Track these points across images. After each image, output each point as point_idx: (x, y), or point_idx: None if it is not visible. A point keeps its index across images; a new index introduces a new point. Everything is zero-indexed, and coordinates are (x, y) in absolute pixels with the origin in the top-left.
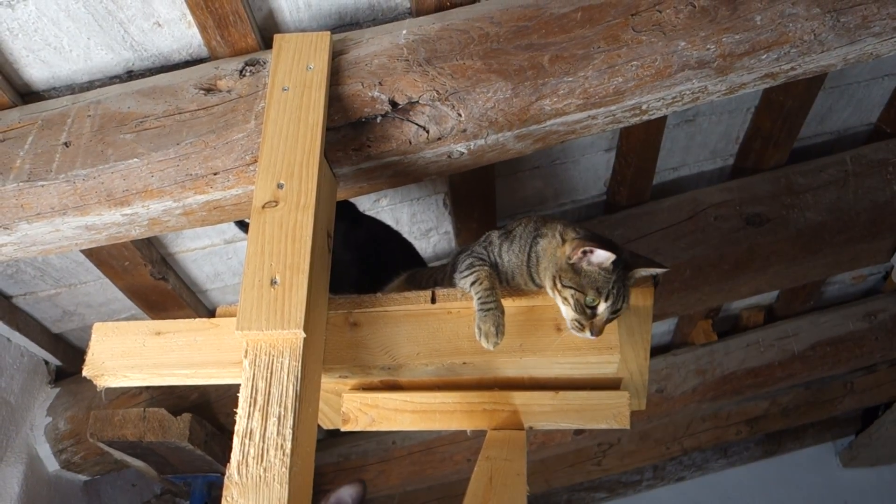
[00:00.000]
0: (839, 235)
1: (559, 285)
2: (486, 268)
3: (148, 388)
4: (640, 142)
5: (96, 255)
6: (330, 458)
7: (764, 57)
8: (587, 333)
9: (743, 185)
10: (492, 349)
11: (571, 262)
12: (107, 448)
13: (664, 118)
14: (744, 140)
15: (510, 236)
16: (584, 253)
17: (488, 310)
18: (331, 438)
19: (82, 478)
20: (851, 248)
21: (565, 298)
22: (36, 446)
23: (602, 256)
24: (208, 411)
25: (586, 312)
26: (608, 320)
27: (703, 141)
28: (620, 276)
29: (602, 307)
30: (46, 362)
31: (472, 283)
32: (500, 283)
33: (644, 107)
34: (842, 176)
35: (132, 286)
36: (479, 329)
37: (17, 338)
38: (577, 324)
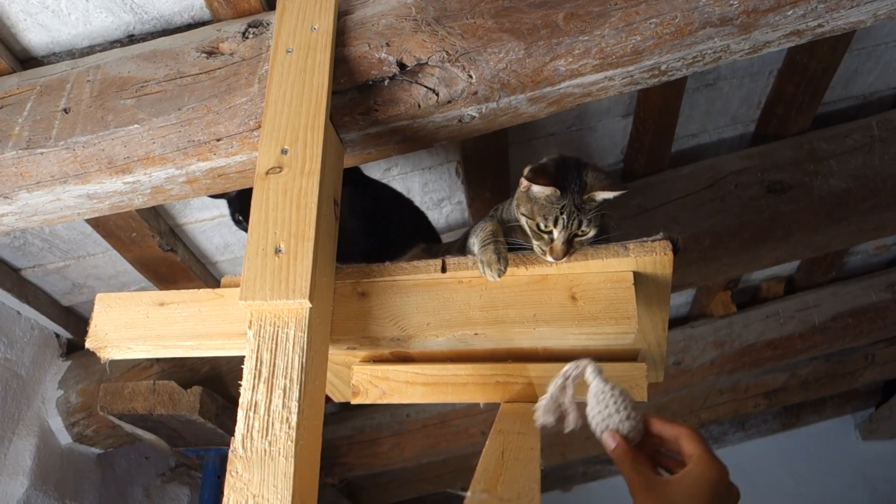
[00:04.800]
0: (864, 203)
1: (518, 214)
2: (493, 221)
3: (159, 360)
4: (658, 107)
5: (103, 227)
6: (344, 430)
7: (790, 13)
8: (548, 258)
9: (764, 151)
10: (498, 279)
11: (524, 190)
12: (117, 421)
13: (683, 82)
14: (766, 105)
15: (511, 197)
16: (529, 182)
17: (487, 244)
18: (345, 411)
19: (95, 451)
20: (876, 216)
21: (523, 226)
22: (48, 419)
23: (537, 188)
24: (220, 384)
25: (544, 238)
26: (571, 244)
27: (724, 106)
28: (572, 201)
29: (556, 233)
30: (57, 335)
31: (477, 236)
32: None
33: (663, 67)
34: (867, 141)
35: (141, 258)
36: (481, 262)
37: (27, 311)
38: (539, 248)
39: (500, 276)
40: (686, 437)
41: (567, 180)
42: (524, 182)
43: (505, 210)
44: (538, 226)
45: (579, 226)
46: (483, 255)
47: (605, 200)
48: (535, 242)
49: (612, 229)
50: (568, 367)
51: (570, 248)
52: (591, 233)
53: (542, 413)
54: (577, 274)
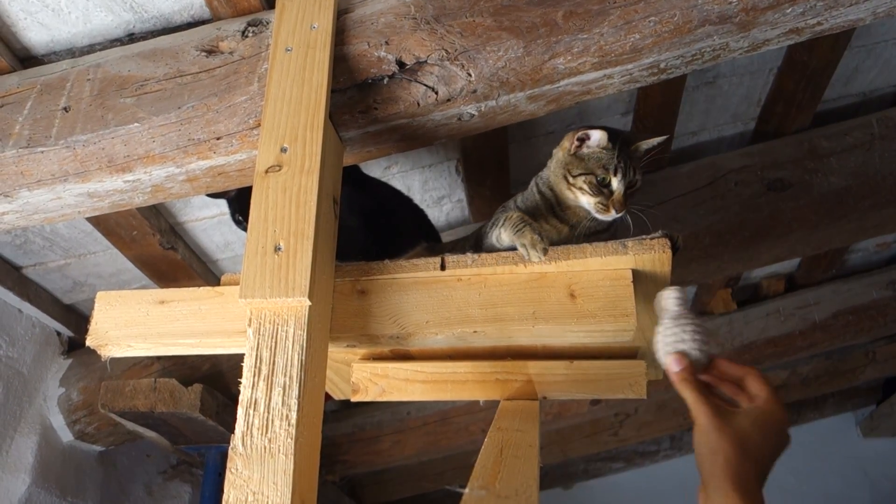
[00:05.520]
0: (864, 201)
1: (571, 179)
2: (516, 211)
3: (160, 358)
4: (658, 105)
5: (104, 225)
6: (345, 428)
7: (789, 11)
8: (612, 213)
9: (764, 149)
10: (544, 258)
11: (573, 153)
12: (118, 419)
13: (683, 80)
14: (766, 102)
15: (522, 191)
16: (580, 140)
17: (523, 227)
18: (346, 409)
19: (97, 448)
20: (876, 213)
21: (581, 188)
22: (49, 417)
23: (596, 135)
24: (220, 382)
25: (603, 192)
26: (627, 195)
27: (724, 104)
28: (624, 152)
29: (615, 182)
30: (59, 333)
31: (504, 226)
32: None
33: (662, 65)
34: (867, 139)
35: (141, 256)
36: (523, 245)
37: (29, 309)
38: (600, 206)
39: (545, 255)
40: (754, 378)
41: (611, 135)
42: (575, 142)
43: (521, 201)
44: (598, 179)
45: (634, 174)
46: (522, 237)
47: (649, 150)
48: (593, 202)
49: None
50: (660, 293)
51: (626, 200)
52: (640, 182)
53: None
54: (576, 272)
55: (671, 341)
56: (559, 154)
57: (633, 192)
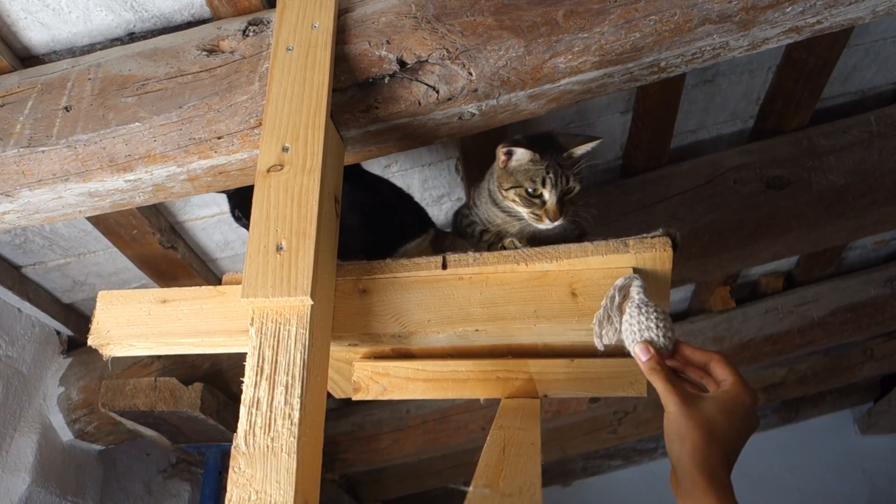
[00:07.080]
0: (862, 198)
1: (503, 192)
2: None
3: (160, 357)
4: (657, 103)
5: (104, 224)
6: (344, 426)
7: (788, 10)
8: (546, 222)
9: (763, 147)
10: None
11: (503, 167)
12: (119, 418)
13: (682, 78)
14: (765, 101)
15: (478, 188)
16: (507, 155)
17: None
18: (345, 407)
19: (97, 447)
20: (875, 211)
21: (514, 200)
22: (49, 416)
23: (519, 152)
24: (221, 381)
25: (535, 203)
26: (562, 203)
27: (723, 102)
28: (555, 160)
29: (546, 193)
30: (58, 332)
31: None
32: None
33: (662, 64)
34: (866, 137)
35: (141, 255)
36: None
37: (28, 308)
38: (534, 216)
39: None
40: (719, 362)
41: (541, 146)
42: (502, 157)
43: (476, 198)
44: (527, 191)
45: (567, 182)
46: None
47: (584, 155)
48: (526, 212)
49: (591, 227)
50: (618, 280)
51: (564, 208)
52: (578, 187)
53: (597, 324)
54: (577, 270)
55: (637, 330)
56: (495, 166)
57: (573, 198)
